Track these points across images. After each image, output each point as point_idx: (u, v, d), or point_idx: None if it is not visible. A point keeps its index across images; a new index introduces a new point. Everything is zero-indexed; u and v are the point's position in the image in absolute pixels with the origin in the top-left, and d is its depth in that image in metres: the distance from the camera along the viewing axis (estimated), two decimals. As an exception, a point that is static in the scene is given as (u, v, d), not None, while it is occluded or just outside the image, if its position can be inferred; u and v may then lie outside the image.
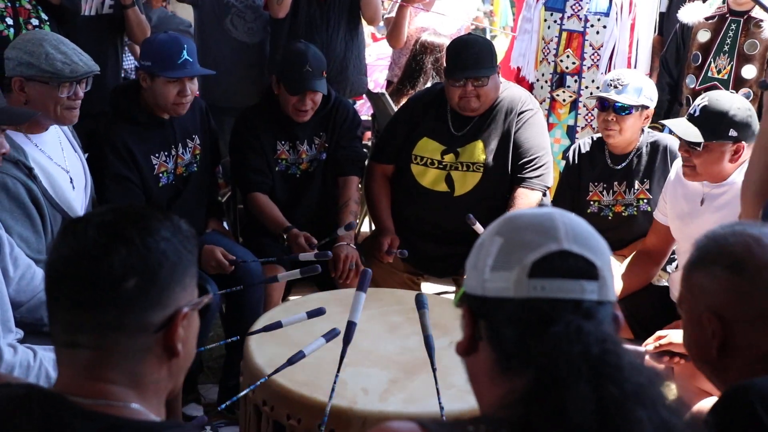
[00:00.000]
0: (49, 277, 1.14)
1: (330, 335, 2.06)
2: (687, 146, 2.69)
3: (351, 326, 1.99)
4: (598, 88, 4.00)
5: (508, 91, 3.38)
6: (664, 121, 2.96)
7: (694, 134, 2.64)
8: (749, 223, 1.47)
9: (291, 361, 2.02)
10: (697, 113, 2.67)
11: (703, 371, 1.48)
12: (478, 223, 2.99)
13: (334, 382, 1.96)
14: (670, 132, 4.07)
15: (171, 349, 1.14)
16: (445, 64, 3.34)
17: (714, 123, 2.62)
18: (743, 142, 2.64)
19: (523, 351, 1.05)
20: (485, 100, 3.27)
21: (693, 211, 2.81)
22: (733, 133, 2.62)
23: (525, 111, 3.31)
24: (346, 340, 1.98)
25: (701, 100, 2.70)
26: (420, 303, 2.08)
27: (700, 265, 1.42)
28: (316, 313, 2.30)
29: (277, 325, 2.26)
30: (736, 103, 2.66)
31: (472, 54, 3.20)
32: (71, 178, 2.70)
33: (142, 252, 1.11)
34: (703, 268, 1.40)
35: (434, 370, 1.97)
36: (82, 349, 1.11)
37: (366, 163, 3.60)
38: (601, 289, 1.08)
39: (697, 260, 1.42)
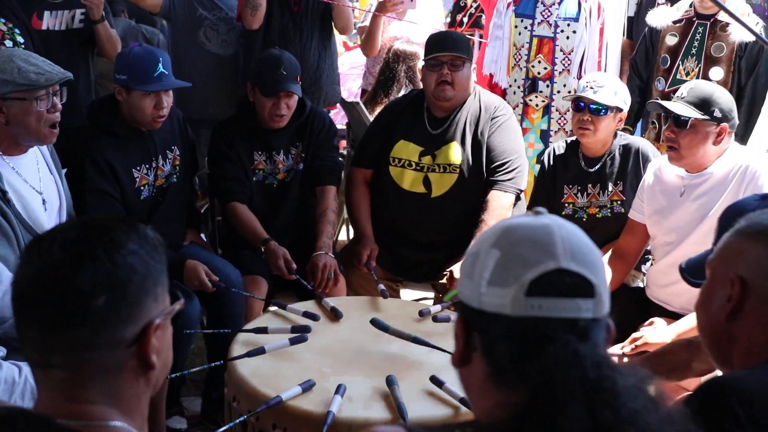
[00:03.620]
0: (16, 298, 1.12)
1: (306, 385, 2.15)
2: (674, 126, 2.79)
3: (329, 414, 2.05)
4: (569, 92, 4.05)
5: (483, 95, 3.46)
6: (658, 101, 3.03)
7: (684, 110, 2.78)
8: None
9: (269, 405, 2.08)
10: (685, 95, 2.82)
11: (708, 339, 1.51)
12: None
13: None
14: (642, 133, 4.15)
15: (146, 362, 1.13)
16: (424, 54, 3.42)
17: (702, 101, 2.78)
18: (726, 124, 2.77)
19: (518, 368, 1.05)
20: (459, 90, 3.34)
21: (672, 203, 2.89)
22: (717, 114, 2.76)
23: (498, 116, 3.39)
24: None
25: (689, 84, 2.89)
26: (389, 381, 2.19)
27: (744, 233, 1.45)
28: (298, 339, 2.33)
29: (260, 351, 2.28)
30: (719, 89, 2.88)
31: (449, 39, 3.40)
32: (44, 200, 2.68)
33: (109, 268, 1.09)
34: (746, 236, 1.45)
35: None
36: (56, 370, 1.10)
37: (343, 172, 3.62)
38: (597, 306, 1.08)
39: (744, 229, 1.46)
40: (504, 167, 3.33)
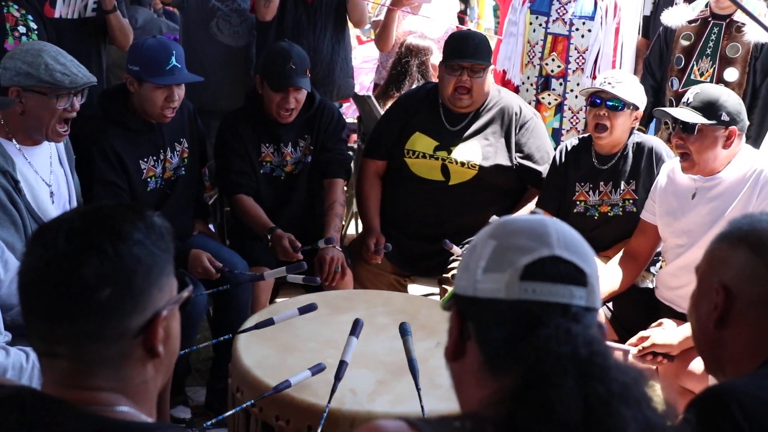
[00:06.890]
0: (22, 287, 1.11)
1: (316, 369, 2.14)
2: (682, 132, 2.75)
3: (342, 365, 2.08)
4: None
5: (504, 93, 3.49)
6: (664, 109, 3.01)
7: (690, 116, 2.74)
8: None
9: (277, 389, 2.07)
10: (691, 100, 2.78)
11: (699, 345, 1.51)
12: (455, 246, 3.10)
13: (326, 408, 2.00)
14: (655, 132, 4.12)
15: (152, 351, 1.13)
16: (443, 54, 3.41)
17: (708, 106, 2.73)
18: (735, 127, 2.73)
19: (512, 351, 1.07)
20: (477, 97, 3.35)
21: (683, 206, 2.86)
22: (725, 117, 2.72)
23: (529, 119, 3.42)
24: (338, 377, 2.06)
25: (694, 89, 2.84)
26: (403, 331, 2.17)
27: (727, 239, 1.46)
28: (307, 308, 2.33)
29: (269, 322, 2.28)
30: (726, 92, 2.81)
31: (471, 44, 3.33)
32: (52, 192, 2.70)
33: (114, 260, 1.08)
34: (728, 242, 1.45)
35: (419, 390, 2.01)
36: (62, 360, 1.10)
37: (351, 164, 3.61)
38: (589, 296, 1.10)
39: (727, 234, 1.46)
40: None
